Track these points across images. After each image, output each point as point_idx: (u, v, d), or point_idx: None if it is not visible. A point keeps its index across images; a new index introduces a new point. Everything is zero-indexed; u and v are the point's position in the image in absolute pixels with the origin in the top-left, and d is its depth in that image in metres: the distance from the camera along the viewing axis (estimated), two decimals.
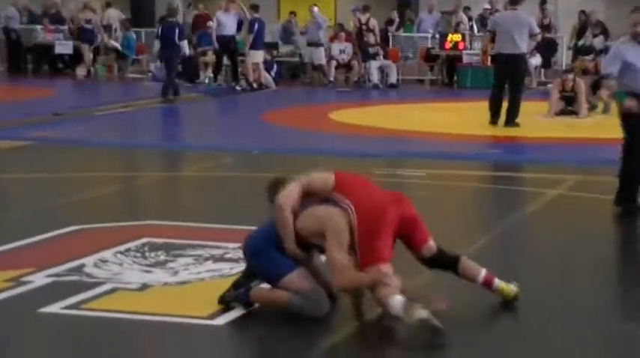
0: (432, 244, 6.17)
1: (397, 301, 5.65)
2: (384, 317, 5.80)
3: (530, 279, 6.98)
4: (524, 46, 15.14)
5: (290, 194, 6.02)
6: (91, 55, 24.69)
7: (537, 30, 15.71)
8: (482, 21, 24.11)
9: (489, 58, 17.71)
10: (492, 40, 16.14)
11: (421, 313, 5.54)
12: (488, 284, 6.20)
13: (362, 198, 6.01)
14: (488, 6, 24.49)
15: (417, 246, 6.14)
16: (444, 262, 6.23)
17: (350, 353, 5.64)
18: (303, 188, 6.06)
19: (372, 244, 5.86)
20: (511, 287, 6.21)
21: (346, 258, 5.83)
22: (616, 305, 6.55)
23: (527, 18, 15.51)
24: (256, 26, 21.62)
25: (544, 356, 5.51)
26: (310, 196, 6.06)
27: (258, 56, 21.94)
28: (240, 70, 22.47)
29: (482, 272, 6.20)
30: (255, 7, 22.21)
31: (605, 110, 16.39)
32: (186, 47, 20.75)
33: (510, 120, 15.05)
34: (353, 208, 5.94)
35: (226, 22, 21.96)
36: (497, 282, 6.20)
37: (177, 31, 19.79)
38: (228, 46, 22.06)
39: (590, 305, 6.44)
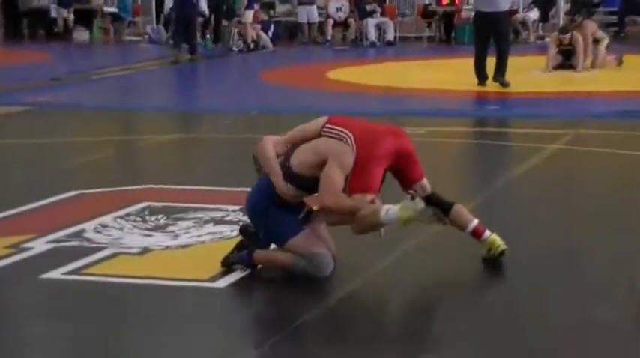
0: (426, 184, 6.14)
1: (386, 208, 5.71)
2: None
3: (527, 233, 7.01)
4: (504, 3, 14.70)
5: (270, 136, 6.02)
6: (72, 17, 24.56)
7: None
8: None
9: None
10: None
11: (420, 204, 5.71)
12: (478, 234, 6.13)
13: (359, 128, 5.97)
14: None
15: (410, 182, 6.10)
16: (437, 205, 6.10)
17: (349, 312, 5.63)
18: (292, 135, 6.04)
19: (364, 172, 5.83)
20: (500, 242, 6.11)
21: (342, 182, 5.79)
22: (611, 254, 6.54)
23: None
24: None
25: (541, 315, 5.49)
26: (305, 139, 6.01)
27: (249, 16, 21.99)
28: (237, 30, 22.40)
29: (474, 222, 6.14)
30: None
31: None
32: (205, 7, 20.86)
33: (499, 75, 14.65)
34: (352, 136, 5.89)
35: None
36: (488, 234, 6.12)
37: None
38: (217, 7, 21.96)
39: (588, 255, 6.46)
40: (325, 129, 5.98)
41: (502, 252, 6.11)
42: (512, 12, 22.55)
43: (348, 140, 5.88)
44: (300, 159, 5.88)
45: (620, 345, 4.95)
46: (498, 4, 14.53)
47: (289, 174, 5.86)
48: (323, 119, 6.05)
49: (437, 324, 5.47)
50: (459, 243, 6.29)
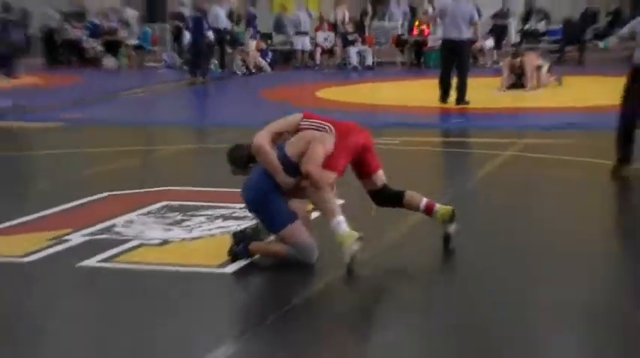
0: (381, 174, 6.20)
1: (338, 221, 5.73)
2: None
3: (488, 223, 7.04)
4: (466, 32, 14.59)
5: (261, 134, 6.02)
6: (100, 47, 24.63)
7: (477, 19, 15.00)
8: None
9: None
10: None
11: (353, 248, 5.68)
12: (429, 210, 6.20)
13: (332, 122, 6.09)
14: None
15: (371, 171, 6.17)
16: (392, 196, 6.23)
17: (341, 292, 5.66)
18: (276, 127, 6.08)
19: (335, 156, 5.88)
20: (448, 207, 6.19)
21: (322, 156, 5.83)
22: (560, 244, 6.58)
23: (470, 7, 14.89)
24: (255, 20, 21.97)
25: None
26: (284, 134, 6.05)
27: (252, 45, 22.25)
28: (240, 57, 22.43)
29: (424, 201, 6.21)
30: (253, 2, 22.38)
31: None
32: (211, 36, 20.97)
33: (460, 100, 14.56)
34: (330, 126, 6.00)
35: (220, 15, 21.97)
36: (437, 207, 6.18)
37: (204, 23, 20.48)
38: (222, 37, 22.04)
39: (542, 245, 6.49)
40: (304, 123, 6.05)
41: (452, 213, 6.19)
42: (472, 41, 22.67)
43: (328, 129, 6.00)
44: (295, 149, 5.90)
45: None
46: (462, 33, 14.50)
47: (289, 164, 5.88)
48: (299, 115, 6.14)
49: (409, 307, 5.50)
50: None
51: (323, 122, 6.07)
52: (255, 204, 5.96)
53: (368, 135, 6.18)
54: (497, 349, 4.70)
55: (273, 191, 5.89)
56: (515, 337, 4.83)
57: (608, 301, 5.34)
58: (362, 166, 6.17)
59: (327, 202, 5.83)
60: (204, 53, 20.69)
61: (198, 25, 20.52)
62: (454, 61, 14.69)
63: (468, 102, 14.54)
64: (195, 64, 20.56)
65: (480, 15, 16.30)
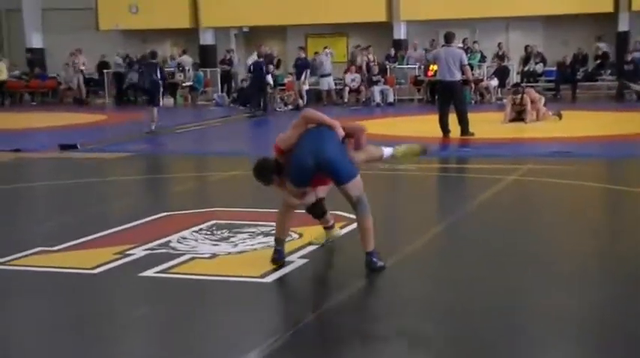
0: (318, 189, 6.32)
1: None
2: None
3: (489, 239, 6.96)
4: (457, 74, 14.28)
5: (312, 111, 6.44)
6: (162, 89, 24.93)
7: (465, 62, 14.57)
8: None
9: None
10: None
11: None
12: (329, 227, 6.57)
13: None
14: (461, 44, 24.37)
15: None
16: (320, 209, 6.42)
17: (366, 299, 5.60)
18: (298, 124, 6.19)
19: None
20: (335, 233, 6.61)
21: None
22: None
23: (459, 52, 14.61)
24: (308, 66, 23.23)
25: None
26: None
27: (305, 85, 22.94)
28: (279, 96, 22.59)
29: (330, 222, 6.57)
30: (302, 49, 23.74)
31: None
32: (271, 80, 21.64)
33: (464, 131, 14.38)
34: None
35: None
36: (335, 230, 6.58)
37: (264, 68, 21.24)
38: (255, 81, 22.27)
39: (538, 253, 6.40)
40: None
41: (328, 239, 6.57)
42: (479, 80, 22.60)
43: None
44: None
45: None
46: (454, 75, 14.28)
47: None
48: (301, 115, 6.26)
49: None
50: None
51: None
52: (335, 156, 5.93)
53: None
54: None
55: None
56: (511, 345, 4.75)
57: (603, 314, 5.25)
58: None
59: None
60: (264, 90, 21.45)
61: (259, 68, 21.20)
62: (449, 100, 14.47)
63: (472, 134, 14.39)
64: (256, 99, 21.27)
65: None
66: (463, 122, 14.44)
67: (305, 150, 5.90)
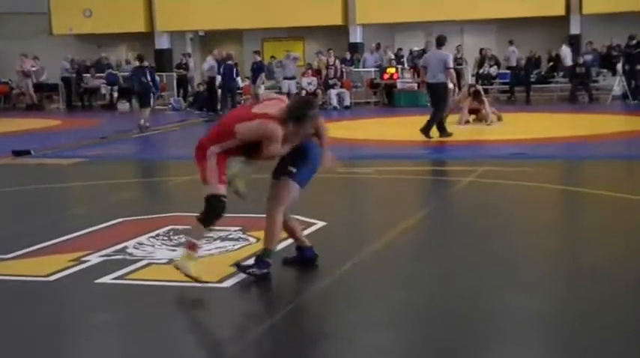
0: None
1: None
2: None
3: (446, 238, 7.00)
4: (441, 76, 14.43)
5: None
6: (116, 94, 24.77)
7: (450, 65, 14.69)
8: (413, 58, 24.12)
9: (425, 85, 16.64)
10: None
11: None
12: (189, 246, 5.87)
13: None
14: (416, 48, 24.58)
15: None
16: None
17: (324, 302, 5.58)
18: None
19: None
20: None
21: None
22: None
23: (445, 55, 14.75)
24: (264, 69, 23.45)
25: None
26: None
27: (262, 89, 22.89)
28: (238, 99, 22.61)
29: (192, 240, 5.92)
30: (257, 53, 23.74)
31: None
32: (240, 81, 22.03)
33: (425, 130, 14.43)
34: None
35: (214, 66, 22.20)
36: (189, 252, 5.82)
37: (235, 70, 21.70)
38: (213, 85, 22.24)
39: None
40: None
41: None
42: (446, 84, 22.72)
43: None
44: None
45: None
46: (437, 77, 14.40)
47: None
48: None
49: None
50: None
51: None
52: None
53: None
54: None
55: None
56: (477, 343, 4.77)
57: (563, 307, 5.30)
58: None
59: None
60: (235, 95, 21.73)
61: (229, 71, 21.45)
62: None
63: (430, 137, 14.43)
64: (225, 102, 21.44)
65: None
66: (430, 122, 14.51)
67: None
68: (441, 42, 14.89)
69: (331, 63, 23.19)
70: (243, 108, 6.26)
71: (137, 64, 18.92)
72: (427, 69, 14.77)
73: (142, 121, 17.80)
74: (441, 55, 14.68)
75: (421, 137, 14.58)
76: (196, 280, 5.67)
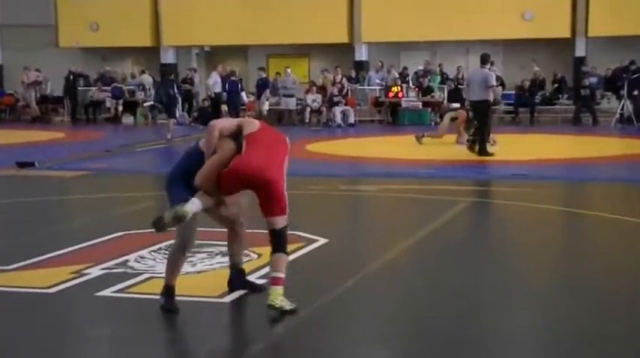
0: (271, 220, 5.43)
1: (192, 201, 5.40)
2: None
3: (454, 255, 7.02)
4: (484, 94, 14.48)
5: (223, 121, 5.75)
6: (121, 107, 24.88)
7: (492, 83, 14.69)
8: (418, 78, 24.18)
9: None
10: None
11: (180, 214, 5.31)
12: (271, 282, 5.52)
13: (250, 149, 5.40)
14: (421, 67, 24.67)
15: (263, 213, 5.48)
16: (275, 243, 5.46)
17: (325, 318, 5.60)
18: (238, 124, 5.58)
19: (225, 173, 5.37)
20: (277, 300, 5.41)
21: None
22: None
23: (487, 73, 14.71)
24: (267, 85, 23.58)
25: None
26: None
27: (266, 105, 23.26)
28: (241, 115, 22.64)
29: (274, 274, 5.49)
30: (262, 69, 24.20)
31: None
32: (245, 97, 22.19)
33: (480, 151, 14.56)
34: (245, 146, 5.42)
35: (218, 81, 22.27)
36: (272, 289, 5.44)
37: (240, 85, 21.81)
38: (217, 100, 22.28)
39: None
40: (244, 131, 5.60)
41: (271, 305, 5.40)
42: (439, 102, 22.82)
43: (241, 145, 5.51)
44: (205, 146, 5.66)
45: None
46: (479, 95, 14.49)
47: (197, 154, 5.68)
48: (254, 125, 5.64)
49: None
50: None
51: (245, 144, 5.43)
52: (166, 181, 5.69)
53: (262, 179, 5.36)
54: None
55: (179, 175, 5.58)
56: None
57: (565, 327, 5.32)
58: (260, 204, 5.49)
59: (203, 194, 5.42)
60: (239, 111, 21.55)
61: (234, 86, 21.49)
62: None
63: (491, 154, 14.49)
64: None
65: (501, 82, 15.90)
66: (480, 142, 14.64)
67: None
68: (484, 60, 14.90)
69: (338, 80, 23.28)
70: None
71: (166, 76, 20.19)
72: (470, 87, 14.89)
73: (168, 134, 18.79)
74: (483, 73, 14.72)
75: (425, 156, 14.63)
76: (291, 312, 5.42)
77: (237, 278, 6.00)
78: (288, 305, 5.40)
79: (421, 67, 24.71)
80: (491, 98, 14.74)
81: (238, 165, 5.35)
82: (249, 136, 5.49)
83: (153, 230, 5.46)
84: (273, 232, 5.44)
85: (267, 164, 5.40)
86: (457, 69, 23.94)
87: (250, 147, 5.42)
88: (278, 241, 5.44)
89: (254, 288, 5.98)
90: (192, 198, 5.36)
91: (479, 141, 14.72)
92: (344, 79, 23.46)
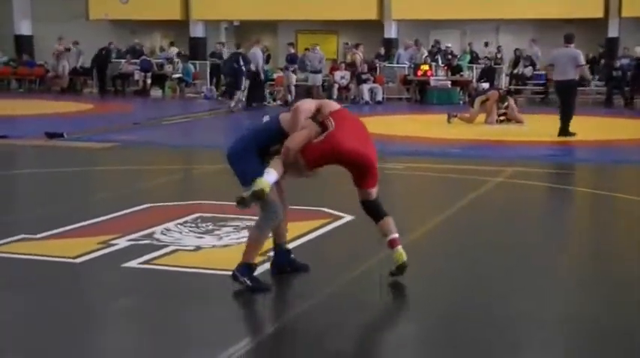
0: (371, 191, 5.67)
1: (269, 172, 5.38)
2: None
3: (473, 239, 6.96)
4: (571, 74, 14.19)
5: (308, 101, 5.73)
6: (149, 80, 24.82)
7: (582, 62, 14.41)
8: (445, 55, 23.98)
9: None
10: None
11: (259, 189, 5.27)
12: (391, 245, 5.70)
13: (339, 129, 5.46)
14: (449, 44, 24.46)
15: (360, 186, 5.67)
16: (373, 213, 5.70)
17: (349, 296, 5.57)
18: (319, 105, 5.64)
19: (312, 148, 5.44)
20: (402, 256, 5.64)
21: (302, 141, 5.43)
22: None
23: (576, 52, 14.41)
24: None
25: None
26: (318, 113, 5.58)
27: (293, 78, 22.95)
28: (269, 91, 22.55)
29: (392, 235, 5.68)
30: (292, 44, 24.21)
31: None
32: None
33: (562, 131, 14.31)
34: (334, 125, 5.46)
35: (260, 56, 22.09)
36: (398, 248, 5.66)
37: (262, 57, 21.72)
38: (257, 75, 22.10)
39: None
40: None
41: (402, 264, 5.62)
42: (468, 81, 22.65)
43: (330, 125, 5.51)
44: (288, 124, 5.59)
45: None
46: (567, 74, 14.20)
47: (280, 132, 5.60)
48: (337, 106, 5.72)
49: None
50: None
51: (333, 121, 5.50)
52: (231, 158, 5.57)
53: (363, 157, 5.55)
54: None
55: (252, 150, 5.50)
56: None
57: (581, 311, 5.25)
58: (354, 178, 5.69)
59: (279, 165, 5.44)
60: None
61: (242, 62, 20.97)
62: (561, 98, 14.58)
63: (572, 134, 14.26)
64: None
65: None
66: (564, 121, 14.37)
67: None
68: (569, 39, 14.55)
69: (359, 59, 23.14)
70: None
71: (235, 49, 21.05)
72: (555, 66, 14.59)
73: (232, 104, 19.92)
74: (571, 52, 14.42)
75: (453, 135, 14.52)
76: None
77: (284, 258, 5.87)
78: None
79: (449, 45, 24.50)
80: (577, 77, 14.42)
81: (335, 143, 5.41)
82: (334, 114, 5.56)
83: (236, 206, 5.41)
84: (369, 202, 5.69)
85: (363, 143, 5.57)
86: (497, 48, 23.57)
87: (340, 125, 5.47)
88: (377, 208, 5.71)
89: (300, 268, 5.86)
90: (268, 169, 5.38)
91: (561, 120, 14.39)
92: (360, 56, 23.31)
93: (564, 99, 14.53)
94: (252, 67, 21.14)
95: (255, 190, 5.28)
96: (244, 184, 5.46)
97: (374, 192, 5.70)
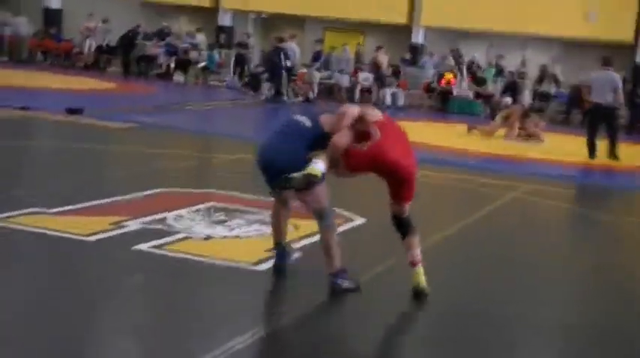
0: (403, 206, 5.62)
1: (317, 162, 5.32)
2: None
3: (483, 250, 6.96)
4: (611, 97, 14.13)
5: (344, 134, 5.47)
6: (173, 64, 24.83)
7: (620, 86, 14.33)
8: (470, 67, 23.91)
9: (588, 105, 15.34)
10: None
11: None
12: (411, 264, 5.61)
13: (383, 139, 5.41)
14: (476, 54, 24.41)
15: (392, 197, 5.61)
16: (400, 227, 5.66)
17: (359, 295, 5.58)
18: (361, 113, 5.56)
19: (356, 155, 5.40)
20: (421, 279, 5.53)
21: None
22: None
23: (615, 76, 14.38)
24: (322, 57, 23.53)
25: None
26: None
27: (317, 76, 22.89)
28: (292, 87, 22.53)
29: (414, 254, 5.61)
30: (320, 42, 24.12)
31: None
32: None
33: (612, 156, 14.32)
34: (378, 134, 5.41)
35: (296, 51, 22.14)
36: (417, 268, 5.56)
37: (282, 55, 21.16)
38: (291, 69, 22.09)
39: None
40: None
41: (418, 290, 5.52)
42: (490, 95, 22.57)
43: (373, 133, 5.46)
44: (331, 127, 5.57)
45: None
46: (612, 99, 14.16)
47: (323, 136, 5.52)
48: (378, 116, 5.67)
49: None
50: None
51: (378, 130, 5.45)
52: (273, 153, 5.52)
53: (405, 169, 5.48)
54: None
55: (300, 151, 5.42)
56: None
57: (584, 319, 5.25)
58: (390, 189, 5.63)
59: (325, 159, 5.36)
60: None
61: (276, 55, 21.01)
62: (602, 123, 14.42)
63: (618, 159, 14.26)
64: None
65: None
66: (612, 145, 14.37)
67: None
68: (608, 62, 14.49)
69: (381, 61, 23.09)
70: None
71: (276, 43, 21.16)
72: (593, 89, 14.42)
73: (267, 91, 20.80)
74: (611, 76, 14.38)
75: (472, 146, 14.49)
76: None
77: (284, 257, 5.87)
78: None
79: (476, 55, 24.44)
80: (618, 101, 14.37)
81: (378, 151, 5.37)
82: (379, 124, 5.50)
83: (280, 184, 5.41)
84: (400, 219, 5.60)
85: (405, 155, 5.50)
86: (522, 63, 23.43)
87: (385, 135, 5.44)
88: (407, 226, 5.62)
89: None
90: (316, 160, 5.33)
91: (610, 143, 14.37)
92: (381, 59, 23.21)
93: (610, 122, 14.44)
94: (289, 63, 21.19)
95: (310, 173, 5.26)
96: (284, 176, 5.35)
97: (407, 207, 5.62)
